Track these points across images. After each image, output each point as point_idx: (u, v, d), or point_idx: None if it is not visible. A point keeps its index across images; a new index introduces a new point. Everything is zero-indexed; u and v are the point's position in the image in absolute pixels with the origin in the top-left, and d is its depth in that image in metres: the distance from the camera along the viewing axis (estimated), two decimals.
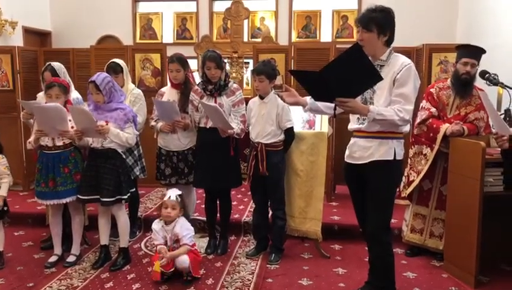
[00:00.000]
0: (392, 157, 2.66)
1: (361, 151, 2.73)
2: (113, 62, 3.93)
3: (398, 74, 2.57)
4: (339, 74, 2.30)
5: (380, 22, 2.59)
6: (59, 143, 3.41)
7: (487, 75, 3.33)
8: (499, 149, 3.03)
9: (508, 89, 3.15)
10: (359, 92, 2.56)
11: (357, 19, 2.70)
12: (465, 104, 3.45)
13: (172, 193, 3.33)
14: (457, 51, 3.52)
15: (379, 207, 2.73)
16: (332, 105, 2.56)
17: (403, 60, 2.63)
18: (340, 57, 2.31)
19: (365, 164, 2.71)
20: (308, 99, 2.88)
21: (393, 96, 2.59)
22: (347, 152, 2.87)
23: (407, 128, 2.73)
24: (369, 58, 2.65)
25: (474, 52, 3.42)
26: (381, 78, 2.42)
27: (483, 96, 2.92)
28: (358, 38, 2.68)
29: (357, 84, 2.43)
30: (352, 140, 2.83)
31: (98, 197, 3.39)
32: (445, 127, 3.37)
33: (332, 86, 2.39)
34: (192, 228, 3.39)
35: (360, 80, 2.40)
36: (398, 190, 3.59)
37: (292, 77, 5.00)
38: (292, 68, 4.98)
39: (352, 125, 2.81)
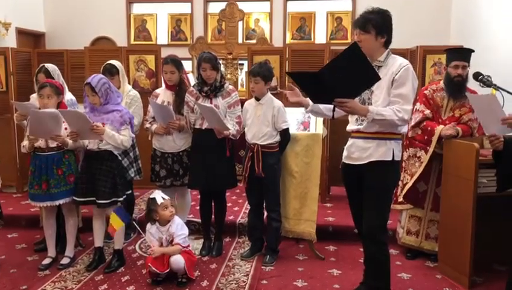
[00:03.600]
0: (390, 158, 2.67)
1: (360, 152, 2.73)
2: (109, 64, 3.92)
3: (396, 74, 2.59)
4: (337, 74, 2.30)
5: (377, 23, 2.61)
6: (52, 145, 3.39)
7: (480, 76, 3.35)
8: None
9: (501, 90, 3.17)
10: (358, 93, 2.57)
11: (354, 21, 2.71)
12: (459, 106, 3.47)
13: (160, 195, 3.31)
14: (446, 54, 3.54)
15: (376, 207, 2.73)
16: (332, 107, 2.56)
17: (401, 61, 2.66)
18: (339, 57, 2.30)
19: (363, 164, 2.72)
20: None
21: (392, 97, 2.61)
22: (345, 153, 2.87)
23: (405, 129, 2.75)
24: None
25: (463, 54, 3.45)
26: (379, 78, 2.43)
27: (473, 101, 2.94)
28: (356, 40, 2.67)
29: (356, 84, 2.43)
30: (350, 141, 2.83)
31: (93, 199, 3.38)
32: (439, 129, 3.39)
33: (331, 87, 2.39)
34: (186, 229, 3.39)
35: (358, 80, 2.40)
36: (394, 194, 3.61)
37: (287, 78, 5.02)
38: (287, 70, 4.99)
39: (351, 126, 2.82)
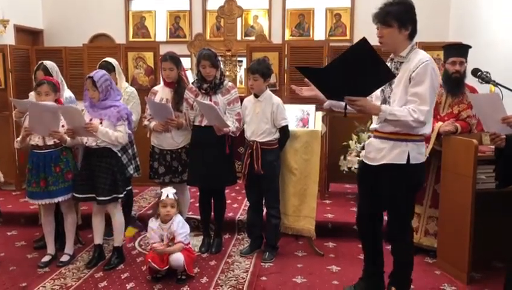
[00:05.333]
0: (404, 161, 2.54)
1: (375, 152, 2.66)
2: (105, 61, 3.92)
3: (413, 71, 2.45)
4: (345, 71, 2.21)
5: (398, 14, 2.46)
6: (50, 142, 3.39)
7: (479, 73, 3.35)
8: (492, 147, 3.05)
9: (499, 86, 3.18)
10: (370, 91, 2.45)
11: (374, 15, 2.54)
12: (457, 102, 3.48)
13: (169, 192, 3.32)
14: (444, 51, 3.54)
15: (393, 210, 2.69)
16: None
17: (421, 56, 2.49)
18: (346, 53, 2.19)
19: (378, 165, 2.64)
20: None
21: (409, 96, 2.46)
22: (364, 151, 2.84)
23: (426, 130, 2.58)
24: (391, 54, 2.57)
25: (460, 50, 3.45)
26: (393, 76, 2.34)
27: (473, 99, 2.94)
28: (377, 35, 2.56)
29: (366, 82, 2.31)
30: (369, 139, 2.79)
31: (93, 195, 3.38)
32: (438, 126, 3.38)
33: (339, 84, 2.31)
34: (188, 227, 3.40)
35: (369, 77, 2.28)
36: None
37: (286, 75, 5.02)
38: (286, 67, 4.99)
39: (373, 124, 2.74)
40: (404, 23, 2.49)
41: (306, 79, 2.76)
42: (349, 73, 2.23)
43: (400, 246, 2.77)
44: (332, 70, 2.27)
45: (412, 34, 2.54)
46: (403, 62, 2.54)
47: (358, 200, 2.99)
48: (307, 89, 2.88)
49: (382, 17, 2.49)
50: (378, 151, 2.64)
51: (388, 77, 2.34)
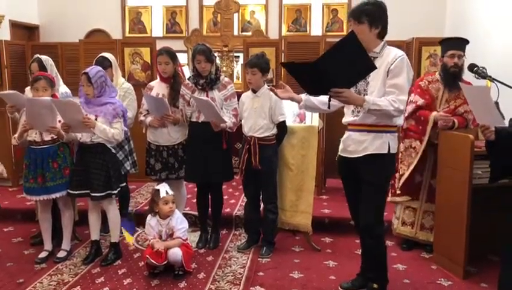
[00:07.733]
0: (386, 151, 2.67)
1: (356, 145, 2.73)
2: (101, 57, 3.88)
3: (391, 64, 2.59)
4: (333, 64, 2.29)
5: (371, 13, 2.62)
6: (47, 138, 3.38)
7: (475, 68, 3.36)
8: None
9: (496, 82, 3.18)
10: (354, 82, 2.57)
11: (349, 12, 2.72)
12: (454, 98, 3.48)
13: (167, 188, 3.32)
14: (441, 45, 3.55)
15: (373, 201, 2.73)
16: (326, 101, 2.58)
17: (396, 51, 2.66)
18: (336, 46, 2.30)
19: (359, 157, 2.72)
20: (304, 96, 2.88)
21: (388, 87, 2.61)
22: (341, 146, 2.87)
23: (400, 120, 2.76)
24: None
25: (459, 43, 3.45)
26: (375, 68, 2.43)
27: (466, 91, 2.95)
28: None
29: (352, 73, 2.43)
30: (346, 134, 2.83)
31: (88, 191, 3.37)
32: (433, 116, 3.40)
33: (327, 77, 2.38)
34: (186, 222, 3.41)
35: (354, 69, 2.40)
36: (392, 186, 3.62)
37: (283, 70, 5.01)
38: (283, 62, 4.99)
39: (347, 118, 2.81)
40: (375, 22, 2.65)
41: (281, 82, 2.97)
42: (336, 66, 2.31)
43: (373, 238, 2.80)
44: (322, 64, 2.32)
45: (382, 33, 2.70)
46: (376, 57, 2.67)
47: (346, 195, 3.01)
48: (282, 91, 2.94)
49: (357, 15, 2.66)
50: (359, 144, 2.72)
51: (371, 68, 2.44)
